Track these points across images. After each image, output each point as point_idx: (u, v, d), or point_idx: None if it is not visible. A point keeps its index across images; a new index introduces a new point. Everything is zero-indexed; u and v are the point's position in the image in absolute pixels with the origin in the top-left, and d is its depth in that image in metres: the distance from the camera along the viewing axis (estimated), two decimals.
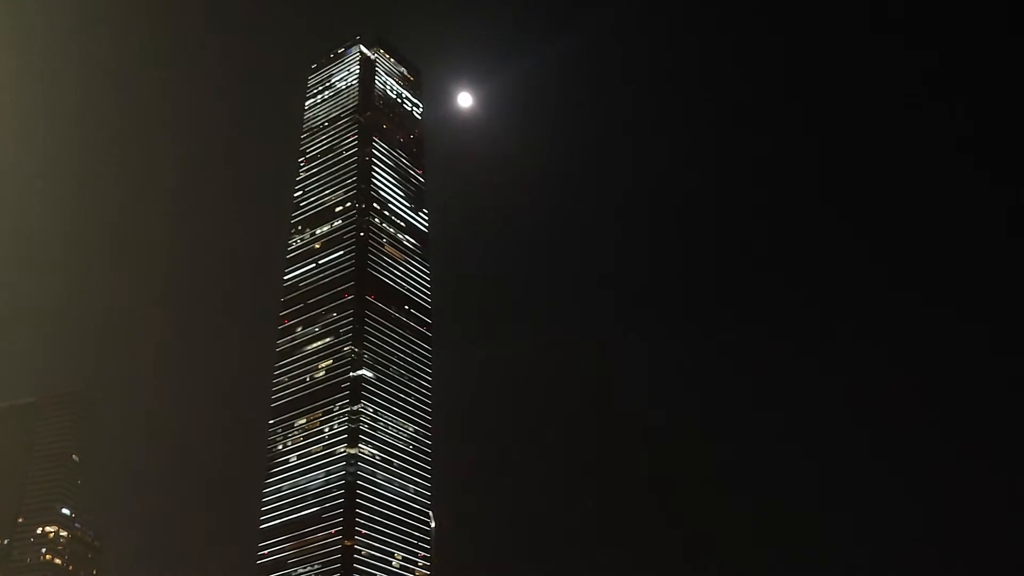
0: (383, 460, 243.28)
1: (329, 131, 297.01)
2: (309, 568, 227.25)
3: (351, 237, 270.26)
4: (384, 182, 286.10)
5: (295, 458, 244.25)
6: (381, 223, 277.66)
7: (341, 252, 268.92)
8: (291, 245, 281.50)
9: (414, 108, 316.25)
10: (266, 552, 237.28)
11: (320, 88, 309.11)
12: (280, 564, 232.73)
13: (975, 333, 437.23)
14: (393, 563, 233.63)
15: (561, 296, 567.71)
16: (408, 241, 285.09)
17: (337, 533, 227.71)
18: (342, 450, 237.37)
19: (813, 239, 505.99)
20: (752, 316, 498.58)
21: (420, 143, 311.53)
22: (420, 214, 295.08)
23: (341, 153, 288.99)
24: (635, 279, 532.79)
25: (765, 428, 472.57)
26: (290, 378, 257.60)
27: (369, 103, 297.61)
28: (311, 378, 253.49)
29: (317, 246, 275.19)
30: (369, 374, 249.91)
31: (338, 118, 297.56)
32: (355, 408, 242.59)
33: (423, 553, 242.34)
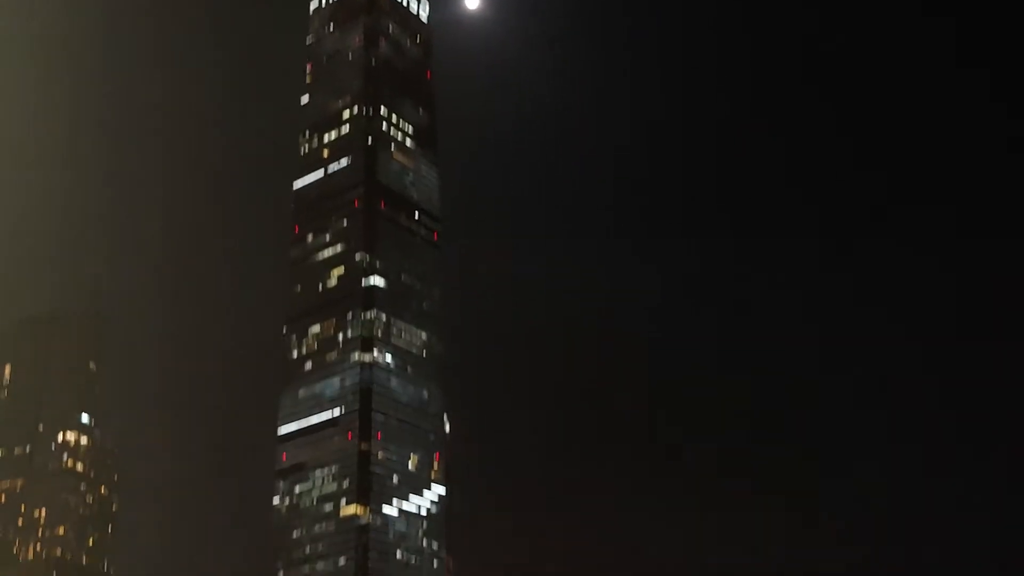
0: (397, 366, 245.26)
1: (335, 34, 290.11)
2: (327, 470, 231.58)
3: (359, 143, 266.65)
4: (392, 86, 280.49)
5: (310, 365, 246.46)
6: (389, 129, 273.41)
7: (349, 158, 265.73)
8: (299, 152, 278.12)
9: (420, 10, 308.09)
10: (284, 456, 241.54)
11: None
12: (297, 468, 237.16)
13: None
14: (409, 465, 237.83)
15: (568, 206, 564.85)
16: (417, 147, 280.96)
17: (353, 437, 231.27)
18: (356, 357, 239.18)
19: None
20: (759, 231, 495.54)
21: (427, 46, 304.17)
22: (429, 118, 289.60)
23: (348, 56, 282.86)
24: (640, 194, 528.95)
25: (776, 342, 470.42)
26: (303, 287, 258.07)
27: (374, 4, 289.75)
28: (324, 286, 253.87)
29: (325, 153, 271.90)
30: (382, 281, 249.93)
31: (343, 20, 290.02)
32: (369, 315, 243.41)
33: (437, 455, 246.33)
